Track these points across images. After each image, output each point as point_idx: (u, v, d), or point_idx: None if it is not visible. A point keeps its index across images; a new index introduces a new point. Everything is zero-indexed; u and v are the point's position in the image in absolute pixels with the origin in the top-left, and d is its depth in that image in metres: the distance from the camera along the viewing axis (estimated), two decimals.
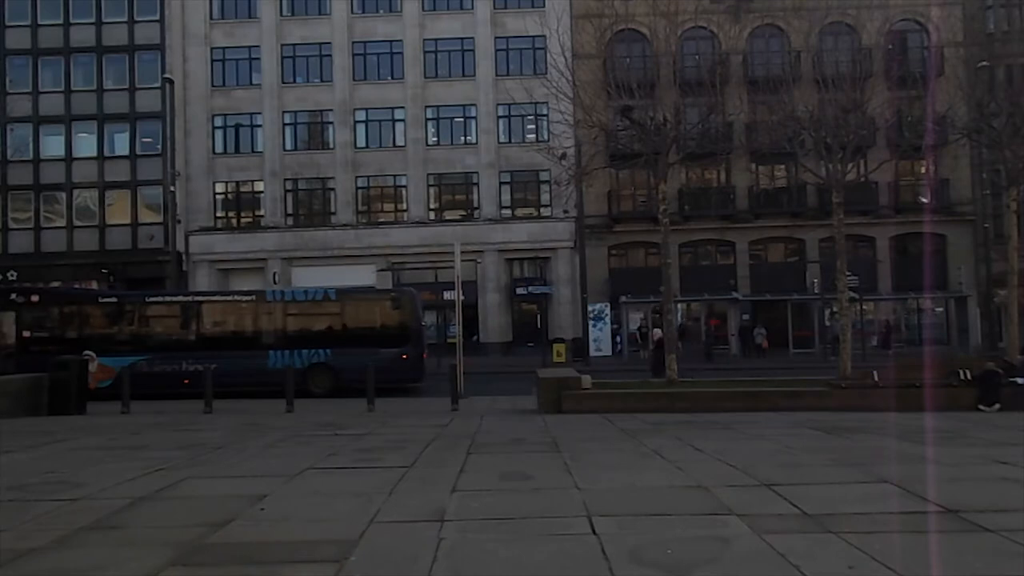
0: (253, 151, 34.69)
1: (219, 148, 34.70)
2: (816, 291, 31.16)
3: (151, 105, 33.98)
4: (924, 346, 29.73)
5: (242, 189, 34.88)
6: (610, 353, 31.91)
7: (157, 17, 34.33)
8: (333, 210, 34.39)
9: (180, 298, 23.39)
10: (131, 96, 34.32)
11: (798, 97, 19.80)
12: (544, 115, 31.78)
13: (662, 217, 17.11)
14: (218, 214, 34.69)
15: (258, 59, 34.64)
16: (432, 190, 34.48)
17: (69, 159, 34.22)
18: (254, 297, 21.74)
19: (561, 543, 4.94)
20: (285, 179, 34.52)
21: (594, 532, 5.16)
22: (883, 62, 28.81)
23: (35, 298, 20.81)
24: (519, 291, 33.82)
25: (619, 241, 33.82)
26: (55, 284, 30.30)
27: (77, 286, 30.09)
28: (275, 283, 32.09)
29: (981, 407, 13.73)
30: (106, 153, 34.36)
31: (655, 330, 21.00)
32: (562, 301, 33.40)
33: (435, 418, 13.37)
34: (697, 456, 8.62)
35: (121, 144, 34.50)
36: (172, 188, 31.20)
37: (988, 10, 34.14)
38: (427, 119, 34.46)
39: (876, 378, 15.22)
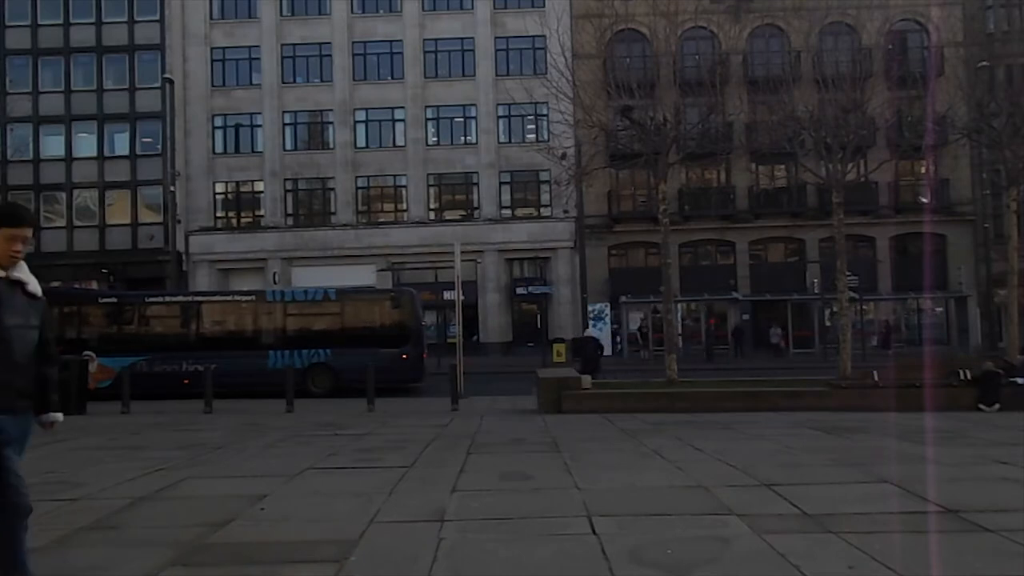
0: (253, 151, 34.71)
1: (219, 148, 34.72)
2: (816, 291, 31.18)
3: (151, 105, 34.00)
4: (924, 346, 29.73)
5: (242, 189, 34.89)
6: (610, 353, 31.87)
7: (157, 17, 34.35)
8: (333, 210, 34.41)
9: (180, 298, 23.38)
10: (131, 96, 34.34)
11: (798, 97, 19.79)
12: (544, 115, 31.80)
13: (662, 217, 17.11)
14: (218, 214, 34.72)
15: (258, 59, 34.67)
16: (432, 190, 34.49)
17: (69, 159, 34.24)
18: (254, 297, 21.73)
19: (561, 543, 4.93)
20: (285, 179, 34.54)
21: (594, 532, 5.16)
22: (883, 62, 28.81)
23: None
24: (519, 291, 33.84)
25: (619, 241, 33.83)
26: (55, 284, 30.28)
27: (77, 286, 30.06)
28: (275, 283, 32.10)
29: (981, 407, 13.72)
30: (106, 153, 34.38)
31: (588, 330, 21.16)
32: (562, 301, 33.40)
33: (435, 418, 13.36)
34: (697, 456, 8.61)
35: (121, 144, 34.52)
36: (172, 188, 31.20)
37: (988, 10, 34.15)
38: (427, 119, 34.48)
39: (876, 378, 15.22)
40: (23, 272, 3.58)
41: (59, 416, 3.82)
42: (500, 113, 34.11)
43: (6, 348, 3.42)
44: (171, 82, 32.90)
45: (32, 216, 3.68)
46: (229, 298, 23.16)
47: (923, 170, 32.18)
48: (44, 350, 3.67)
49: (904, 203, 33.11)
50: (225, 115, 34.64)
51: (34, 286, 3.62)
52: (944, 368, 15.31)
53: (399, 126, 34.67)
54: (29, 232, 3.56)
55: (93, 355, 18.80)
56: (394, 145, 34.64)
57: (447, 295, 27.78)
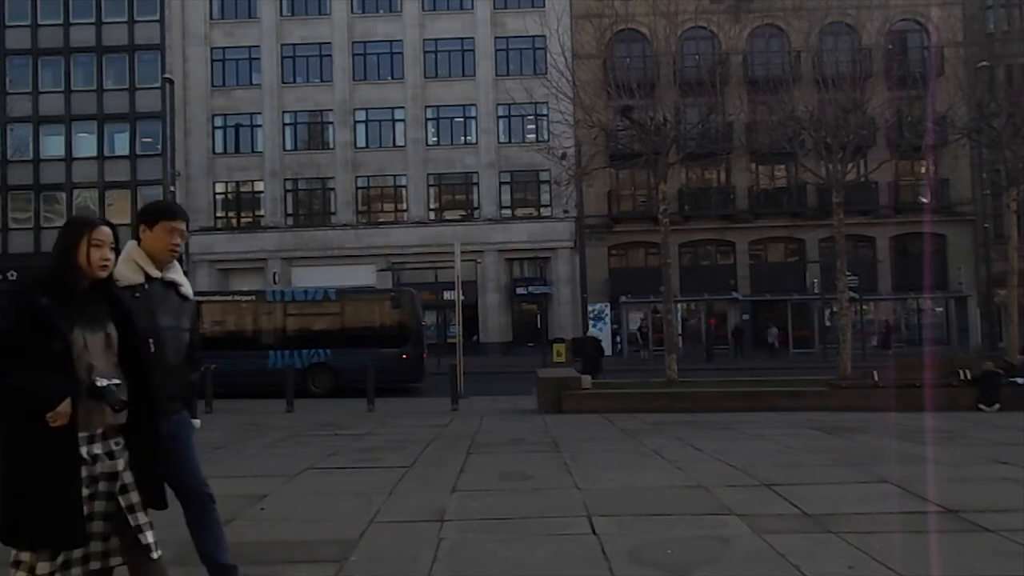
0: (253, 151, 34.71)
1: (219, 148, 34.72)
2: (816, 291, 31.18)
3: (151, 105, 34.00)
4: (924, 346, 29.71)
5: (242, 189, 34.90)
6: (610, 353, 31.86)
7: (157, 17, 34.37)
8: (333, 210, 34.41)
9: None
10: (131, 96, 34.36)
11: (798, 97, 19.78)
12: (544, 115, 31.78)
13: (662, 217, 17.11)
14: (218, 214, 34.72)
15: (258, 59, 34.67)
16: (432, 190, 34.49)
17: (69, 159, 34.25)
18: (254, 297, 21.73)
19: (561, 543, 4.93)
20: (285, 179, 34.55)
21: (594, 532, 5.15)
22: (883, 62, 28.76)
23: None
24: (519, 291, 33.84)
25: (619, 241, 33.84)
26: None
27: None
28: (275, 283, 32.09)
29: (981, 407, 13.72)
30: (106, 153, 34.40)
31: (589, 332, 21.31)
32: (562, 301, 33.40)
33: (435, 418, 13.36)
34: (697, 456, 8.61)
35: (121, 144, 34.54)
36: (172, 188, 31.17)
37: (988, 10, 34.16)
38: (427, 119, 34.48)
39: (876, 378, 15.19)
40: (177, 273, 3.62)
41: (197, 422, 3.82)
42: (500, 113, 34.12)
43: (160, 350, 3.41)
44: (171, 82, 32.90)
45: (185, 211, 3.76)
46: (229, 298, 23.12)
47: (923, 170, 32.16)
48: (190, 354, 3.67)
49: (904, 203, 33.11)
50: (225, 115, 34.64)
51: (187, 288, 3.65)
52: (944, 368, 15.28)
53: (399, 126, 34.67)
54: (183, 226, 3.61)
55: None
56: (394, 145, 34.65)
57: (447, 295, 27.76)
